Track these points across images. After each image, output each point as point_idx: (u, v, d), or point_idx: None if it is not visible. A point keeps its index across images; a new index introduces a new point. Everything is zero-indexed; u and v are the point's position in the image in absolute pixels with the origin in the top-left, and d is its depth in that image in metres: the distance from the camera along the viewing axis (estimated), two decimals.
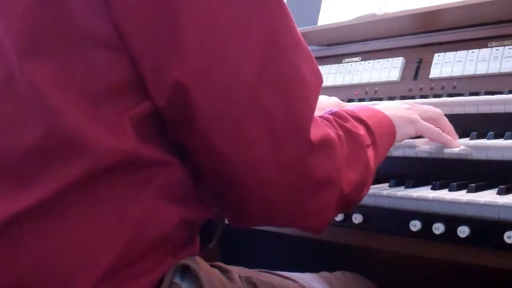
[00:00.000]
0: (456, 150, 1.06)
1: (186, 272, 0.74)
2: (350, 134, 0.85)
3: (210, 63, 0.67)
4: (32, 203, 0.65)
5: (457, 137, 1.10)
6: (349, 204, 0.86)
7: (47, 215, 0.66)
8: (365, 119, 0.91)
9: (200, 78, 0.68)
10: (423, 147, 1.11)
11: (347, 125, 0.86)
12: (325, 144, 0.77)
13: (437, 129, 1.06)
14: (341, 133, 0.83)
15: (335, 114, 0.89)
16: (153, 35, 0.66)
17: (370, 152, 0.88)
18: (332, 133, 0.80)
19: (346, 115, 0.89)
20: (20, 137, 0.66)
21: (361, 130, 0.88)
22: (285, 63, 0.72)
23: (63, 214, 0.66)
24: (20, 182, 0.66)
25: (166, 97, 0.68)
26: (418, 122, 1.04)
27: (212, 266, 0.81)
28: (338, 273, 1.08)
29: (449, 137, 1.08)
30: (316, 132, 0.76)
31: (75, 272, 0.66)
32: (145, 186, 0.69)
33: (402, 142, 1.06)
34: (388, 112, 0.98)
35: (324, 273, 1.06)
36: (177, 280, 0.73)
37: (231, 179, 0.74)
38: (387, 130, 0.96)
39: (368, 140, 0.88)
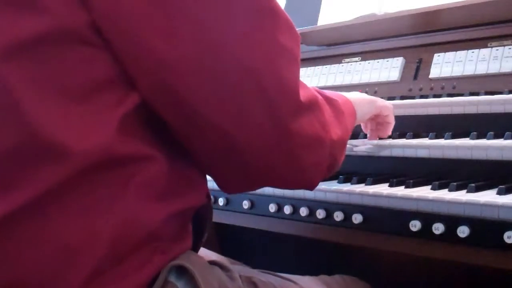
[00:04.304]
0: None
1: (183, 271, 0.73)
2: (329, 100, 0.92)
3: (201, 45, 0.68)
4: (12, 207, 0.64)
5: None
6: (334, 161, 0.91)
7: (30, 218, 0.65)
8: (334, 97, 0.97)
9: (190, 59, 0.68)
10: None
11: (325, 94, 0.93)
12: (312, 103, 0.83)
13: (391, 106, 1.17)
14: (322, 97, 0.89)
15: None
16: (136, 22, 0.65)
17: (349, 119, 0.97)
18: (316, 94, 0.86)
19: (319, 90, 0.95)
20: None
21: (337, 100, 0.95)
22: (268, 35, 0.74)
23: (46, 216, 0.65)
24: None
25: (154, 84, 0.68)
26: (377, 101, 1.14)
27: (213, 263, 0.80)
28: (337, 277, 1.09)
29: (392, 125, 1.18)
30: (304, 93, 0.80)
31: (61, 274, 0.66)
32: (128, 183, 0.69)
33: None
34: (347, 95, 1.06)
35: (324, 277, 1.06)
36: (172, 279, 0.73)
37: (230, 149, 0.76)
38: (350, 110, 1.02)
39: (343, 108, 0.95)
